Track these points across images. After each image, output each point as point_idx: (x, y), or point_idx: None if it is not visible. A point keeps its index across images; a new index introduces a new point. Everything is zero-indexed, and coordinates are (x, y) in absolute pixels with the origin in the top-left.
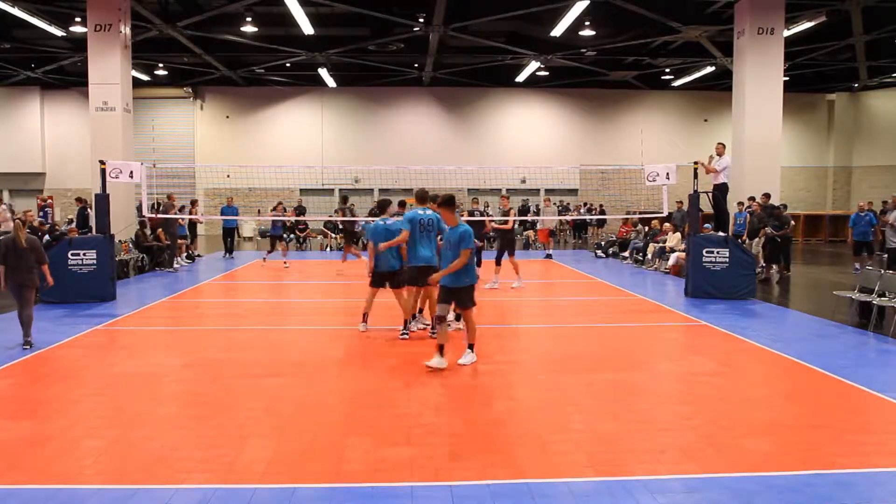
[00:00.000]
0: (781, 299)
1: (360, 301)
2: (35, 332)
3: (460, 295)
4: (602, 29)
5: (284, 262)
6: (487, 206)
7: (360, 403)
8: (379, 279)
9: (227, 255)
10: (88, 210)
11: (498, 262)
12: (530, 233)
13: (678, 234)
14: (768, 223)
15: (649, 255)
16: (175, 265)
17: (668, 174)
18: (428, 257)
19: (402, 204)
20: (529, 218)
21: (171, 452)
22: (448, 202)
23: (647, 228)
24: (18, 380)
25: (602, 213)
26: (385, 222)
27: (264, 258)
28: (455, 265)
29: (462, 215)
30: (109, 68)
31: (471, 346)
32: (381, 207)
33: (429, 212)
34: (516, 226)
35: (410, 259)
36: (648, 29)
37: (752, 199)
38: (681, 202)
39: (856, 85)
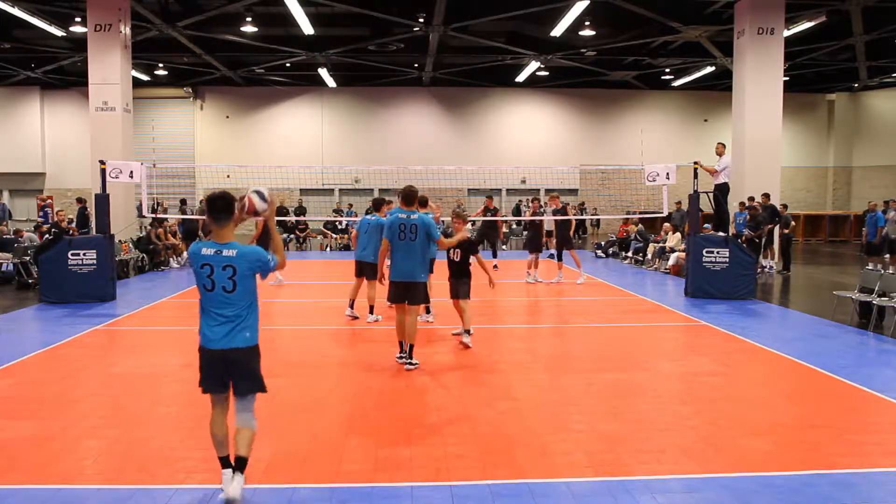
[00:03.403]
0: (781, 299)
1: (361, 301)
2: (35, 332)
3: (240, 363)
4: (602, 29)
5: None
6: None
7: (360, 403)
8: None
9: None
10: (87, 210)
11: (559, 258)
12: None
13: (678, 234)
14: (771, 222)
15: (649, 255)
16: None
17: (668, 174)
18: (408, 271)
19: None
20: (535, 218)
21: (171, 452)
22: (213, 207)
23: (636, 227)
24: (18, 380)
25: (583, 212)
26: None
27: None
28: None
29: (476, 214)
30: (109, 68)
31: (240, 465)
32: (375, 206)
33: (415, 214)
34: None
35: (391, 272)
36: (648, 29)
37: (751, 199)
38: (679, 202)
39: (856, 85)
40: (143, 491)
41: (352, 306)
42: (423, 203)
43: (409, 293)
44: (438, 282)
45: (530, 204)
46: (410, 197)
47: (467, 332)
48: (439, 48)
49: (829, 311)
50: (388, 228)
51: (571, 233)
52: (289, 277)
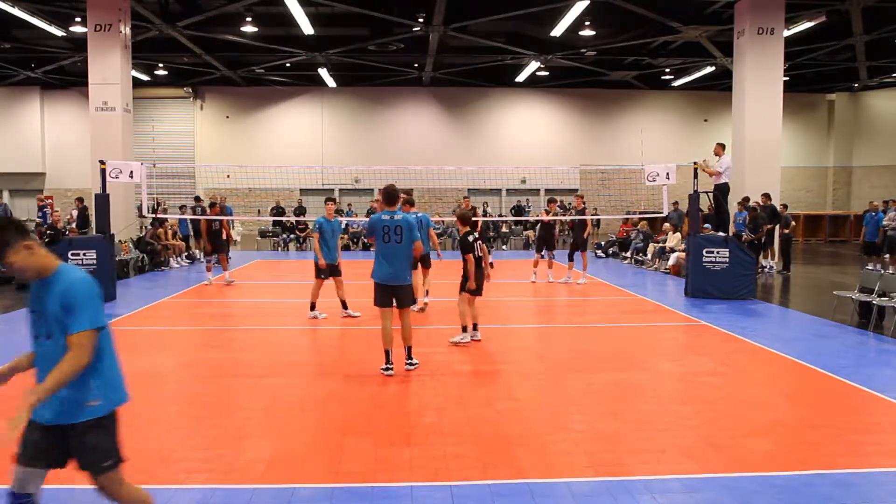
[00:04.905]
0: (781, 299)
1: (360, 300)
2: None
3: (83, 440)
4: (602, 29)
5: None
6: (487, 205)
7: (359, 403)
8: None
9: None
10: (87, 210)
11: (570, 259)
12: (531, 233)
13: (678, 234)
14: (771, 222)
15: (649, 255)
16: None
17: (668, 174)
18: (394, 274)
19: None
20: (532, 218)
21: (171, 452)
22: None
23: (644, 225)
24: (18, 379)
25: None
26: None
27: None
28: (60, 372)
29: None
30: (109, 68)
31: None
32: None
33: (399, 215)
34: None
35: (373, 274)
36: (648, 29)
37: (746, 199)
38: (676, 203)
39: (856, 85)
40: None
41: (345, 307)
42: (412, 203)
43: (397, 296)
44: (441, 281)
45: (548, 206)
46: (393, 197)
47: (463, 329)
48: (439, 48)
49: (829, 311)
50: (369, 230)
51: (585, 235)
52: (289, 278)
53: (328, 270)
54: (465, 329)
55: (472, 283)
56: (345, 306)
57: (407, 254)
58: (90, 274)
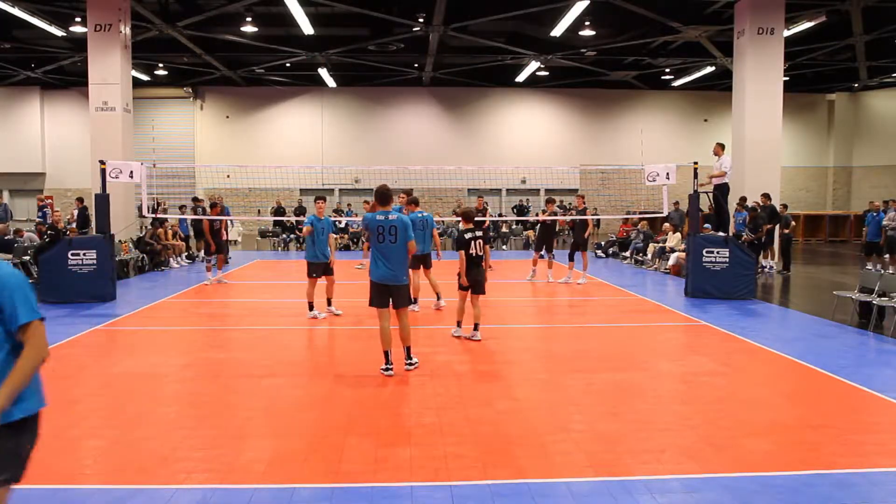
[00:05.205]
0: (781, 299)
1: (359, 300)
2: None
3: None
4: (602, 29)
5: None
6: (487, 205)
7: (360, 403)
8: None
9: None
10: (88, 210)
11: (571, 258)
12: (531, 232)
13: (678, 234)
14: (771, 222)
15: (649, 255)
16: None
17: (668, 174)
18: (391, 274)
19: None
20: (531, 218)
21: (171, 452)
22: None
23: (645, 225)
24: None
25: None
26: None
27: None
28: (22, 368)
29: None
30: (109, 68)
31: None
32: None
33: (394, 214)
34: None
35: (370, 273)
36: (648, 29)
37: (743, 199)
38: (676, 203)
39: (856, 85)
40: (143, 491)
41: (329, 304)
42: (416, 202)
43: (394, 296)
44: (441, 281)
45: (546, 206)
46: (386, 197)
47: (458, 323)
48: (439, 48)
49: (829, 311)
50: (365, 230)
51: (586, 235)
52: (288, 277)
53: (321, 268)
54: (459, 324)
55: (464, 280)
56: (329, 303)
57: (403, 253)
58: (90, 273)
